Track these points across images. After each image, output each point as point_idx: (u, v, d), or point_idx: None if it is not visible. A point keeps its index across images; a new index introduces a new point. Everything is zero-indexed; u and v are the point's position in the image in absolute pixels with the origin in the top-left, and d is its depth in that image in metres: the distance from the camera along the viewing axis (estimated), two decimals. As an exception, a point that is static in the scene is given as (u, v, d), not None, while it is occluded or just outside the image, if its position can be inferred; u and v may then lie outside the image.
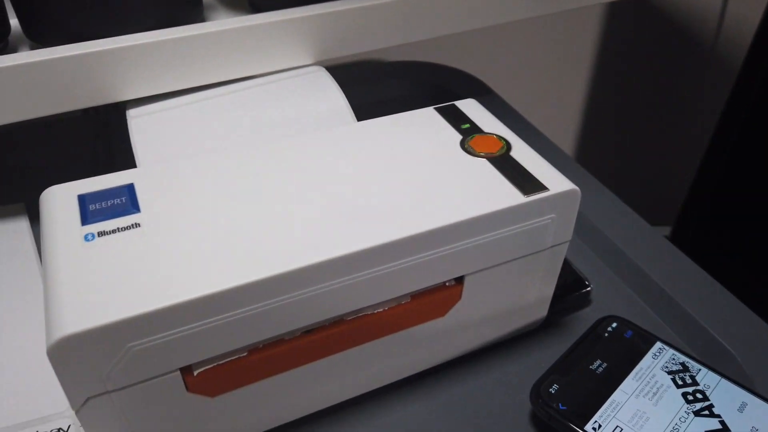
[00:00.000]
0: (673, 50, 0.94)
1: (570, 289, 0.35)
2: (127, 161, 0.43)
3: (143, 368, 0.22)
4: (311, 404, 0.29)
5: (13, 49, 0.39)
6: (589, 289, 0.35)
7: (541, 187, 0.28)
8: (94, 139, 0.47)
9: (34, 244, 0.37)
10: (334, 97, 0.37)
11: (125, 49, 0.35)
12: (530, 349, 0.33)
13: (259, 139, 0.35)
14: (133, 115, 0.36)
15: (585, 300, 0.36)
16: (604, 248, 0.39)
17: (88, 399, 0.22)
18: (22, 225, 0.39)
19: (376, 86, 0.56)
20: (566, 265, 0.36)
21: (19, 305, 0.34)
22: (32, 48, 0.38)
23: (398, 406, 0.30)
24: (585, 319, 0.35)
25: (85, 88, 0.36)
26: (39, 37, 0.38)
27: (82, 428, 0.28)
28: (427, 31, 0.43)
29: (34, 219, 0.40)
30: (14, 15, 0.42)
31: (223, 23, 0.37)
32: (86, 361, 0.21)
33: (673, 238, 0.90)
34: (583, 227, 0.41)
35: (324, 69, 0.40)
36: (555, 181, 0.28)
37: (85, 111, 0.49)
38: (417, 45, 0.76)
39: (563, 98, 0.94)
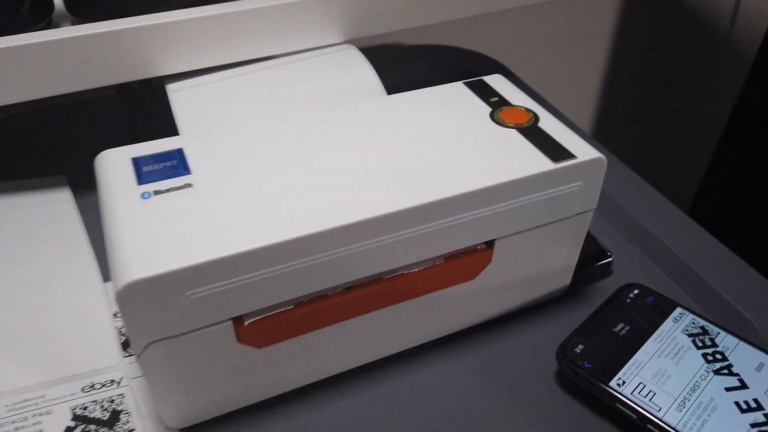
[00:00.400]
0: (689, 36, 0.95)
1: (592, 259, 0.36)
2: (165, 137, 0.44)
3: (199, 316, 0.24)
4: (348, 361, 0.31)
5: (56, 27, 0.40)
6: (610, 259, 0.37)
7: (569, 155, 0.29)
8: (132, 115, 0.49)
9: (78, 212, 0.39)
10: (365, 73, 0.39)
11: (163, 25, 0.36)
12: (554, 315, 0.35)
13: (296, 112, 0.36)
14: (173, 89, 0.37)
15: (606, 270, 0.37)
16: (624, 221, 0.41)
17: (149, 344, 0.24)
18: (65, 195, 0.40)
19: (398, 69, 0.57)
20: (589, 237, 0.38)
21: (70, 269, 0.35)
22: (74, 24, 0.39)
23: (430, 366, 0.32)
24: (606, 288, 0.37)
25: (124, 63, 0.37)
26: (80, 14, 0.39)
27: (133, 380, 0.30)
28: (454, 11, 0.44)
29: (76, 190, 0.41)
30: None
31: (257, 1, 0.38)
32: (149, 306, 0.23)
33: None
34: (604, 201, 0.42)
35: (354, 47, 0.41)
36: (582, 150, 0.30)
37: (119, 90, 0.51)
38: (438, 29, 0.77)
39: (580, 85, 0.95)
